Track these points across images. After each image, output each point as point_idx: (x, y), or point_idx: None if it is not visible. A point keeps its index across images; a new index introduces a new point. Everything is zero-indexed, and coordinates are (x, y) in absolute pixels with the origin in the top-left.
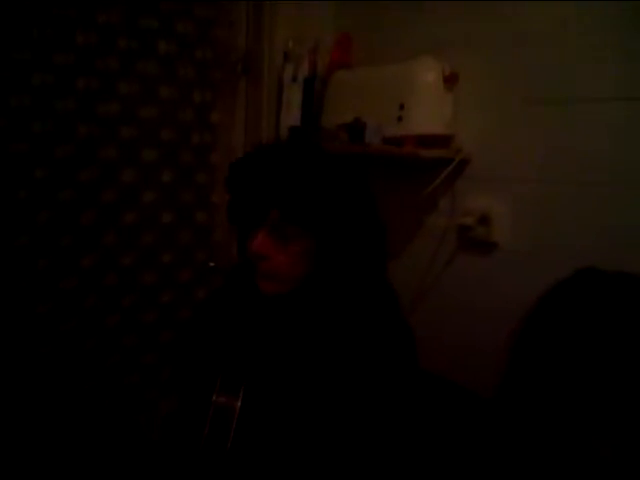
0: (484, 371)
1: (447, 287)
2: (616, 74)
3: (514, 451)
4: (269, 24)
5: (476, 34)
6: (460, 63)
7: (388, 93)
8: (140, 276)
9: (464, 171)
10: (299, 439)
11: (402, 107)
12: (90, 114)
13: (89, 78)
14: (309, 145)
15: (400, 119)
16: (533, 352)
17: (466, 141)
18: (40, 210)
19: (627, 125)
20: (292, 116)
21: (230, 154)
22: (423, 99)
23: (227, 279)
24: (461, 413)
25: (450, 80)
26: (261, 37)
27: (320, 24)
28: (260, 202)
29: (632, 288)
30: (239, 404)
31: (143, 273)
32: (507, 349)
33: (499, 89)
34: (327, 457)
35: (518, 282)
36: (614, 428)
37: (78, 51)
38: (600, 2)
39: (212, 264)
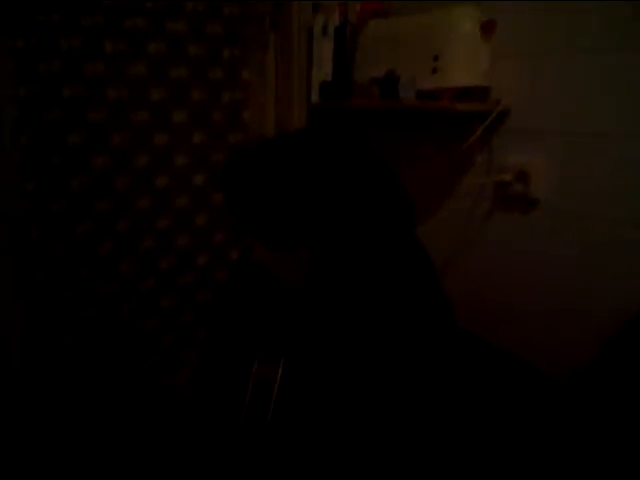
0: (521, 331)
1: (484, 246)
2: None
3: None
4: None
5: None
6: (498, 11)
7: (422, 44)
8: (175, 239)
9: (502, 125)
10: (340, 408)
11: (437, 58)
12: (119, 76)
13: (116, 40)
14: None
15: (435, 71)
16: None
17: (504, 93)
18: (74, 176)
19: None
20: (324, 70)
21: (262, 112)
22: (459, 49)
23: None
24: (497, 375)
25: (487, 29)
26: None
27: None
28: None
29: None
30: (279, 374)
31: (178, 236)
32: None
33: (537, 39)
34: (366, 425)
35: (559, 240)
36: None
37: (106, 12)
38: None
39: None
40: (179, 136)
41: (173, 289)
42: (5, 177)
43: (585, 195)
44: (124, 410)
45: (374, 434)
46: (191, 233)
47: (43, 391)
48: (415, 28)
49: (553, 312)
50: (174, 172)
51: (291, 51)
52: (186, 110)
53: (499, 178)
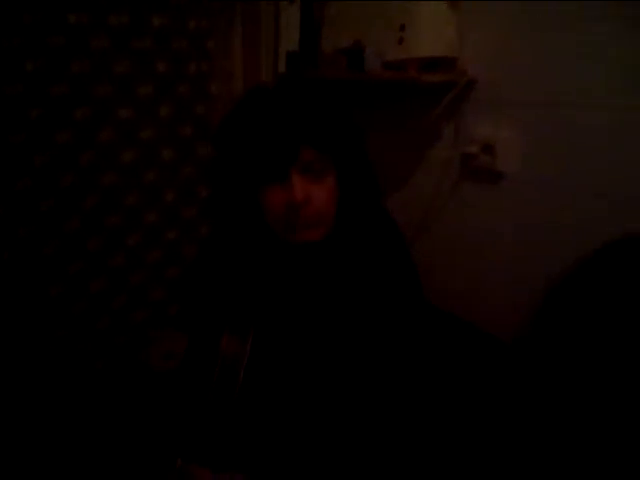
0: (488, 303)
1: (451, 218)
2: None
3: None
4: None
5: None
6: None
7: (388, 13)
8: (143, 215)
9: (469, 96)
10: (308, 381)
11: (403, 28)
12: (82, 48)
13: (79, 13)
14: (299, 79)
15: (401, 41)
16: (565, 316)
17: (471, 64)
18: (37, 152)
19: None
20: (291, 41)
21: (229, 83)
22: (425, 19)
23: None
24: (464, 348)
25: None
26: None
27: None
28: (287, 143)
29: None
30: (248, 348)
31: (146, 212)
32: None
33: (505, 9)
34: (335, 398)
35: (524, 212)
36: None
37: None
38: None
39: None
40: (144, 110)
41: (142, 265)
42: None
43: (550, 167)
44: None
45: (340, 408)
46: (160, 209)
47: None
48: None
49: (518, 281)
50: (141, 147)
51: (258, 21)
52: (151, 83)
53: (466, 150)
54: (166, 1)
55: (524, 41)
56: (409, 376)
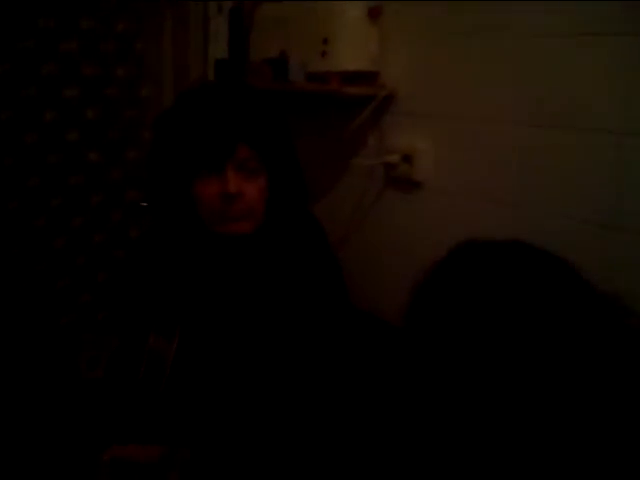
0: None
1: (374, 226)
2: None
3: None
4: None
5: None
6: None
7: (312, 27)
8: (70, 218)
9: (389, 108)
10: (234, 378)
11: (325, 41)
12: (8, 50)
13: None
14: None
15: (324, 54)
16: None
17: (391, 77)
18: None
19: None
20: (220, 48)
21: (160, 88)
22: (347, 34)
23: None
24: (380, 346)
25: (374, 14)
26: None
27: None
28: (227, 138)
29: (514, 257)
30: (175, 346)
31: (73, 215)
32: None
33: (425, 24)
34: (261, 393)
35: (441, 221)
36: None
37: None
38: None
39: (144, 204)
40: (71, 112)
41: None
42: None
43: (460, 176)
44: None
45: (266, 390)
46: (87, 212)
47: None
48: (305, 11)
49: None
50: (67, 148)
51: (187, 27)
52: (78, 86)
53: (387, 160)
54: (94, 4)
55: (440, 57)
56: (331, 368)
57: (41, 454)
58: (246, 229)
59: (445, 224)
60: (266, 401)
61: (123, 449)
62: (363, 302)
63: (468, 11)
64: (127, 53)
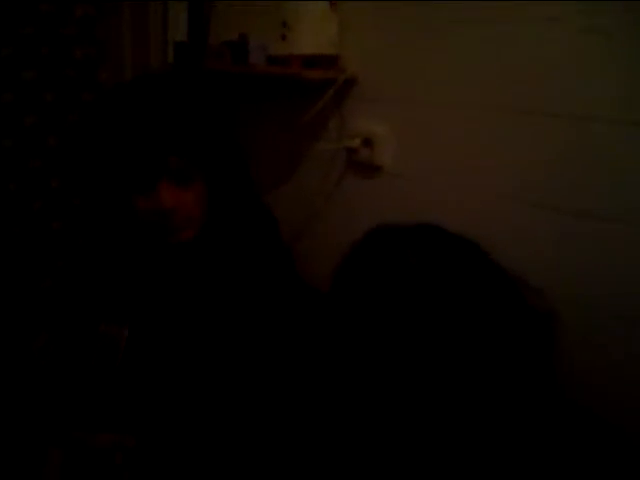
0: None
1: (336, 210)
2: None
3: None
4: None
5: None
6: None
7: (272, 9)
8: (30, 204)
9: (350, 93)
10: (186, 366)
11: (285, 25)
12: None
13: None
14: (180, 82)
15: (284, 38)
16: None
17: (352, 61)
18: None
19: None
20: (180, 31)
21: (119, 71)
22: (305, 17)
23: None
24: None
25: None
26: None
27: None
28: (155, 156)
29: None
30: (126, 333)
31: (33, 201)
32: None
33: (385, 7)
34: (213, 381)
35: (401, 205)
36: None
37: None
38: None
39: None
40: (28, 95)
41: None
42: None
43: (416, 161)
44: None
45: (223, 390)
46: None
47: None
48: None
49: None
50: (23, 132)
51: (146, 9)
52: (35, 69)
53: (347, 144)
54: None
55: (400, 41)
56: (281, 358)
57: None
58: (187, 237)
59: (405, 208)
60: (212, 391)
61: (74, 434)
62: (325, 287)
63: None
64: (85, 36)
